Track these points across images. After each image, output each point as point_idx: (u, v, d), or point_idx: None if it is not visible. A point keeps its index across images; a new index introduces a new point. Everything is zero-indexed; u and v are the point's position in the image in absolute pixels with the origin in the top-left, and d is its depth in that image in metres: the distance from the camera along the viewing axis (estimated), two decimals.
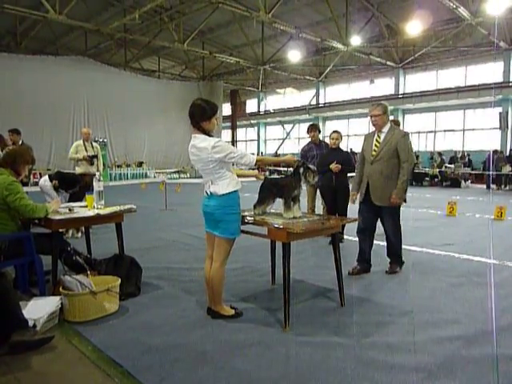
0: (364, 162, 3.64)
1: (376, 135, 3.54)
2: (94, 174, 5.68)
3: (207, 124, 2.52)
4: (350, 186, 5.06)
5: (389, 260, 3.75)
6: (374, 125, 3.53)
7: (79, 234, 5.13)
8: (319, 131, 5.31)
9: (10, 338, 2.20)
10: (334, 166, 4.77)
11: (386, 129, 3.50)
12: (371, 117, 3.50)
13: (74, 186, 5.26)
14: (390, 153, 3.40)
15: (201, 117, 2.50)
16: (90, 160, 5.71)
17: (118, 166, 18.36)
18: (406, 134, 3.49)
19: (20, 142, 5.50)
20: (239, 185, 2.60)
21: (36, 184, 10.28)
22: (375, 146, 3.50)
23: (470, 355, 2.18)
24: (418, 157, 14.45)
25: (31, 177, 5.40)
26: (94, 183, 3.43)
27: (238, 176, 2.66)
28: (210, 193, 2.56)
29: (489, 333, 2.44)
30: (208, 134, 2.54)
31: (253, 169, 8.53)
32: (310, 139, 5.32)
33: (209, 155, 2.46)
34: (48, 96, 15.94)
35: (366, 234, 3.66)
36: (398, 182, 3.39)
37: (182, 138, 18.87)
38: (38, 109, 15.61)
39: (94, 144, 6.04)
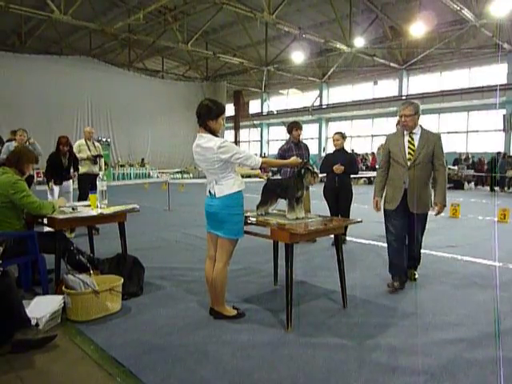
0: (389, 166, 3.33)
1: (408, 137, 3.22)
2: (97, 174, 5.72)
3: (214, 123, 2.53)
4: (353, 188, 5.09)
5: (410, 269, 3.50)
6: (403, 125, 3.22)
7: (72, 235, 5.14)
8: (302, 129, 5.00)
9: (12, 337, 2.21)
10: (336, 168, 4.75)
11: (417, 130, 3.22)
12: (401, 116, 3.19)
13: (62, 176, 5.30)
14: (428, 157, 3.17)
15: (208, 115, 2.51)
16: (94, 160, 5.74)
17: (121, 166, 18.44)
18: (440, 136, 3.29)
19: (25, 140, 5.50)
20: (243, 185, 2.61)
21: (40, 183, 10.36)
22: (410, 148, 3.19)
23: (473, 358, 2.18)
24: None
25: (35, 176, 5.41)
26: (98, 183, 3.45)
27: (241, 176, 2.67)
28: (214, 193, 2.56)
29: (492, 336, 2.43)
30: (214, 133, 2.55)
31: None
32: (292, 138, 4.96)
33: (214, 155, 2.46)
34: (52, 95, 16.05)
35: (401, 243, 3.32)
36: (441, 188, 3.18)
37: (186, 138, 18.93)
38: (42, 108, 15.72)
39: (96, 143, 6.06)
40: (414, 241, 3.34)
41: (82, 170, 5.68)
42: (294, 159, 2.87)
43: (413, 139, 3.20)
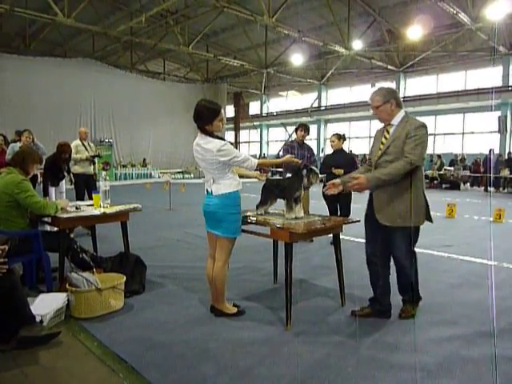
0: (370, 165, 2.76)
1: (385, 130, 2.61)
2: (92, 174, 5.80)
3: (210, 127, 2.57)
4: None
5: (401, 298, 2.78)
6: (378, 119, 2.64)
7: (72, 235, 5.18)
8: (308, 133, 5.25)
9: (17, 334, 2.24)
10: (336, 171, 4.83)
11: (396, 121, 2.54)
12: (372, 109, 2.61)
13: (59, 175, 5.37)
14: (399, 150, 2.44)
15: (203, 121, 2.56)
16: (92, 160, 5.81)
17: (124, 166, 18.52)
18: (422, 126, 2.46)
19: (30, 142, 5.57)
20: (240, 185, 2.65)
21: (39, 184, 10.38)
22: (382, 143, 2.58)
23: (469, 355, 2.21)
24: None
25: (39, 175, 5.47)
26: (101, 183, 3.49)
27: (240, 176, 2.71)
28: (211, 191, 2.60)
29: (487, 334, 2.46)
30: (213, 135, 2.58)
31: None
32: (297, 137, 5.24)
33: (213, 157, 2.51)
34: (56, 97, 16.09)
35: (375, 262, 2.68)
36: (383, 170, 2.44)
37: (187, 138, 18.94)
38: (45, 109, 15.76)
39: (91, 144, 6.13)
40: (397, 263, 2.64)
41: (80, 170, 5.73)
42: (287, 157, 2.90)
43: (388, 132, 2.56)
